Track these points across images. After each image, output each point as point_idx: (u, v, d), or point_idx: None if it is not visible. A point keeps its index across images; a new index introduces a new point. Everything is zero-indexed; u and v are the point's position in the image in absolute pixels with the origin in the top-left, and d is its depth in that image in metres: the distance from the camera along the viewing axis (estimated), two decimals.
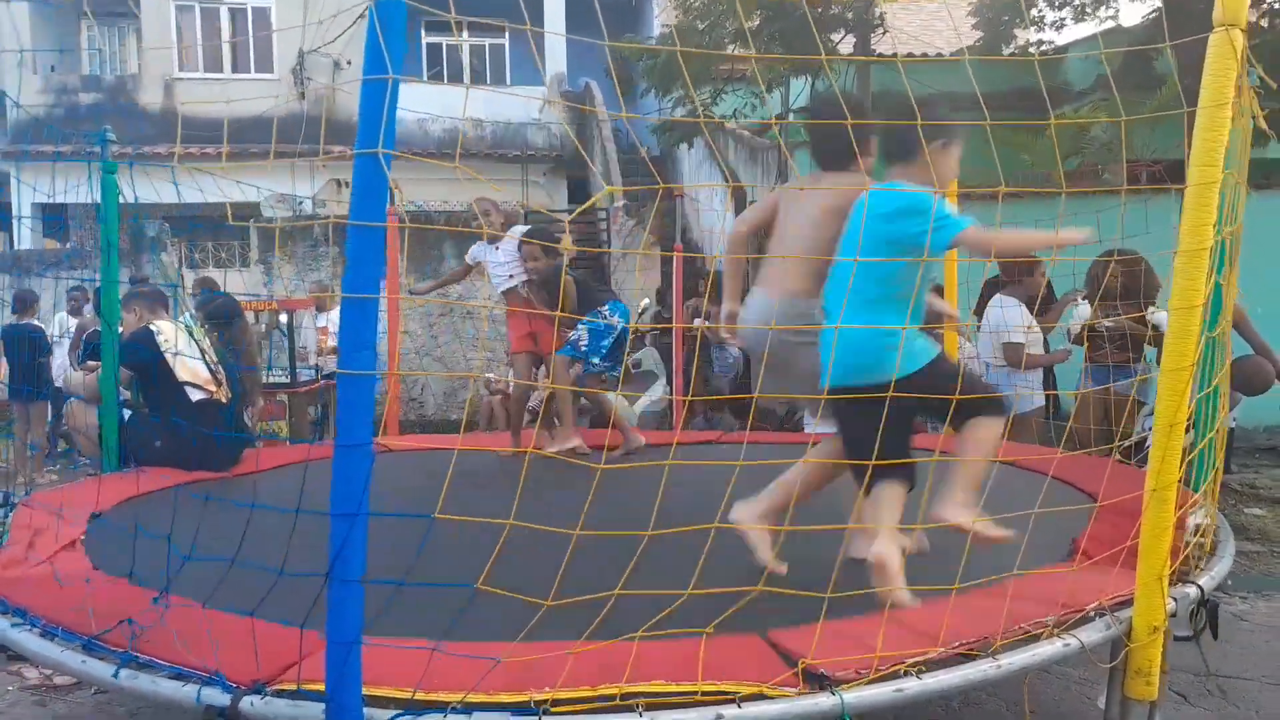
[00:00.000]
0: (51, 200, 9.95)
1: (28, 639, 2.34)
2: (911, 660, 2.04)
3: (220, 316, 5.44)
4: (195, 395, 4.49)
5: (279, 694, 1.92)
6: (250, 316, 8.03)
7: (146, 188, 4.07)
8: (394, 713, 1.83)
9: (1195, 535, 2.61)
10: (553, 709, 1.85)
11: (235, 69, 15.66)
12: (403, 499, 3.81)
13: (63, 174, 4.62)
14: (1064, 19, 9.82)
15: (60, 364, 8.23)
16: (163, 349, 4.47)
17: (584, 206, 4.02)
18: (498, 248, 5.47)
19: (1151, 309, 4.87)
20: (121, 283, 4.57)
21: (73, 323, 8.98)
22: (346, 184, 12.93)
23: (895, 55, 10.61)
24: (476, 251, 5.73)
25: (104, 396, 4.42)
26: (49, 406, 8.10)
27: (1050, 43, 10.27)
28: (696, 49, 8.02)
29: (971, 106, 2.72)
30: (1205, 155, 2.13)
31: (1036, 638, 2.20)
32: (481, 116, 15.37)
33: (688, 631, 2.11)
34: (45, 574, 2.72)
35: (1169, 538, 2.23)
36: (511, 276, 5.46)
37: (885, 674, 2.00)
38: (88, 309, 9.15)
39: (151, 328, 4.57)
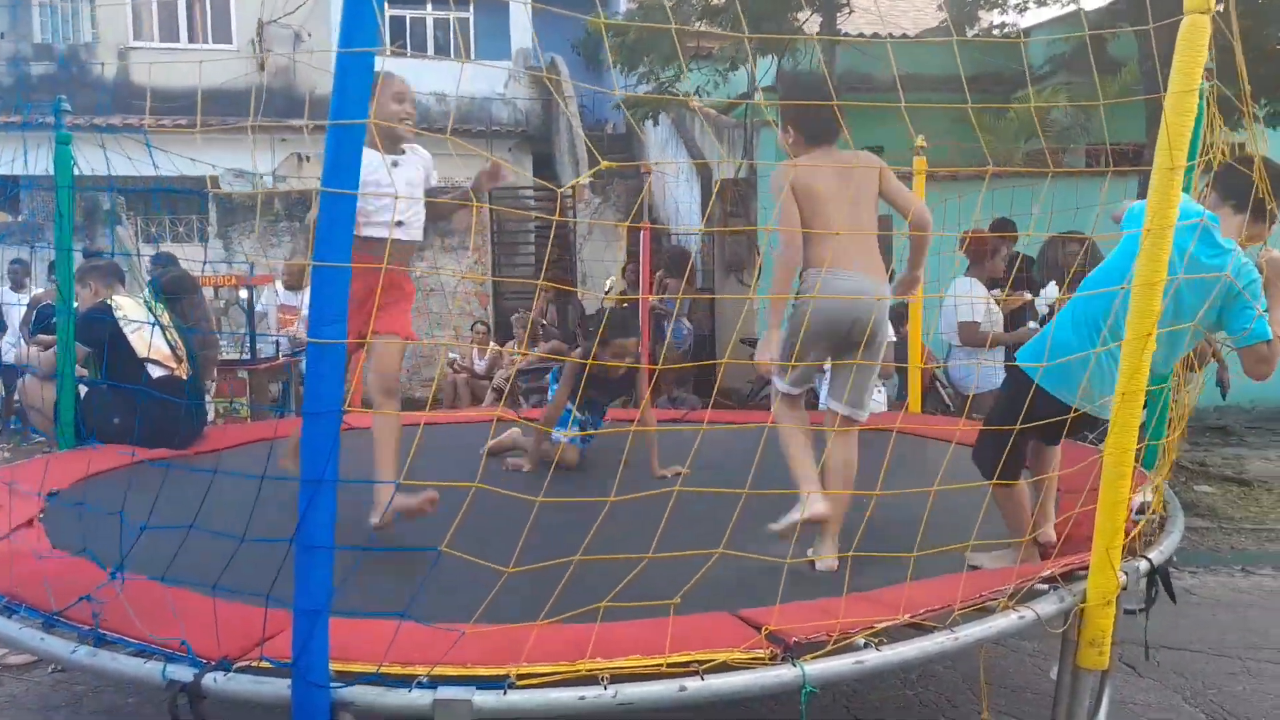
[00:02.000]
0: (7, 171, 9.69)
1: None
2: (875, 626, 2.08)
3: (173, 290, 5.33)
4: (155, 371, 4.42)
5: (244, 670, 1.91)
6: (209, 292, 7.92)
7: (101, 159, 3.99)
8: (361, 686, 1.83)
9: (1140, 513, 2.68)
10: (519, 682, 1.87)
11: (192, 39, 15.31)
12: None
13: (14, 144, 4.51)
14: (1027, 2, 9.90)
15: (9, 339, 8.06)
16: (121, 324, 4.40)
17: (573, 183, 3.89)
18: (395, 163, 3.39)
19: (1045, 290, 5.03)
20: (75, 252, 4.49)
21: (13, 297, 8.79)
22: (308, 158, 12.73)
23: (861, 35, 10.63)
24: None
25: (60, 372, 4.35)
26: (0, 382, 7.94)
27: (1013, 25, 10.35)
28: (665, 25, 7.97)
29: (935, 87, 2.74)
30: (1173, 140, 2.14)
31: (992, 610, 2.26)
32: (445, 91, 15.19)
33: (654, 604, 2.13)
34: (4, 551, 2.69)
35: (1124, 509, 2.29)
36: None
37: (846, 645, 2.04)
38: (28, 282, 8.95)
39: (109, 302, 4.49)
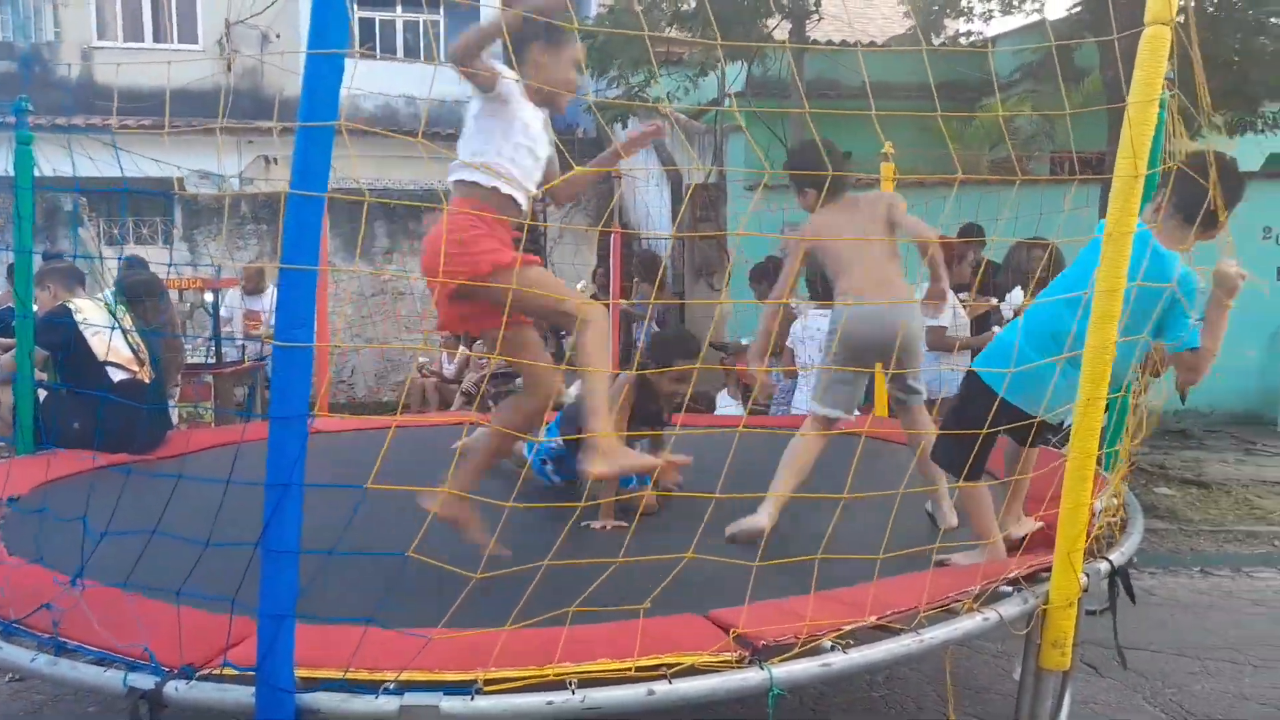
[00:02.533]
0: None
1: None
2: (842, 628, 2.10)
3: (134, 293, 5.22)
4: (117, 375, 4.36)
5: (206, 678, 1.89)
6: (174, 295, 7.81)
7: (64, 160, 3.93)
8: (327, 693, 1.82)
9: (1102, 516, 2.72)
10: (486, 687, 1.86)
11: (157, 39, 15.12)
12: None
13: None
14: (992, 10, 10.03)
15: None
16: (81, 327, 4.33)
17: (554, 183, 3.83)
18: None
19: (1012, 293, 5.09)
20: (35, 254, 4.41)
21: None
22: (274, 161, 12.60)
23: (831, 42, 10.72)
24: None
25: (18, 375, 4.27)
26: None
27: (979, 33, 10.49)
28: (634, 31, 7.99)
29: (902, 94, 2.77)
30: (1133, 148, 2.18)
31: (957, 612, 2.28)
32: (415, 93, 15.10)
33: (624, 609, 2.13)
34: None
35: (1087, 512, 2.33)
36: None
37: (813, 648, 2.06)
38: None
39: (69, 305, 4.42)
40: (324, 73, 1.76)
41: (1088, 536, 2.49)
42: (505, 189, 2.69)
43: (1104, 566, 2.64)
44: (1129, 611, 3.19)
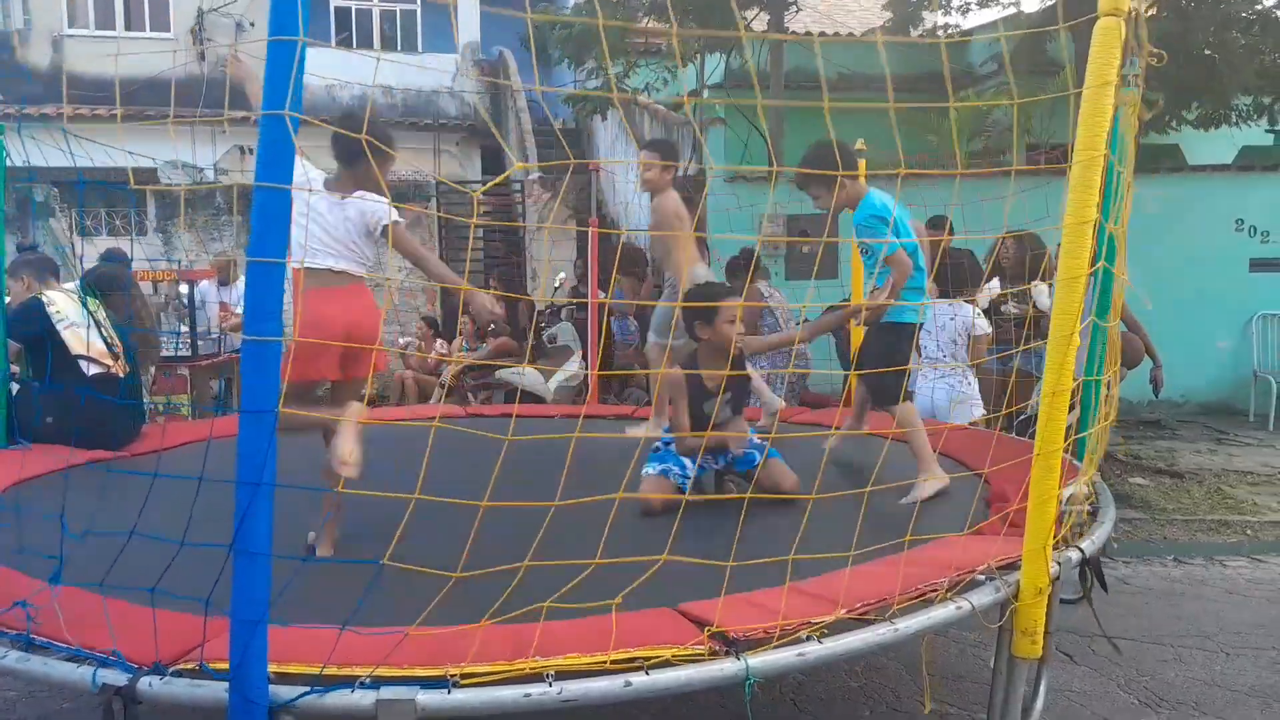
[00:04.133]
0: None
1: None
2: (815, 623, 2.11)
3: (103, 285, 5.14)
4: (90, 369, 4.31)
5: (179, 674, 1.88)
6: (148, 287, 7.74)
7: (34, 150, 3.87)
8: (301, 689, 1.81)
9: (1071, 505, 2.75)
10: (463, 681, 1.86)
11: (129, 26, 14.92)
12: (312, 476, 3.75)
13: None
14: (969, 3, 10.06)
15: None
16: (54, 320, 4.28)
17: (494, 182, 3.92)
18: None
19: (1035, 285, 5.08)
20: (7, 251, 4.36)
21: None
22: (250, 151, 12.49)
23: (809, 34, 10.72)
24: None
25: None
26: None
27: (956, 25, 10.52)
28: (612, 21, 7.96)
29: (880, 86, 2.78)
30: (1089, 132, 2.24)
31: (931, 601, 2.30)
32: (392, 83, 14.99)
33: (598, 605, 2.14)
34: None
35: (1055, 503, 2.35)
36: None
37: (788, 639, 2.07)
38: None
39: (42, 298, 4.37)
40: (283, 60, 1.74)
41: (1058, 526, 2.52)
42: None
43: (1075, 555, 2.66)
44: (1103, 600, 3.23)
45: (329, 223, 3.10)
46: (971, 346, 5.10)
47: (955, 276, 5.01)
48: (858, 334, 5.70)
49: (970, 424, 4.71)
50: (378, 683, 1.85)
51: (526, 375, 7.20)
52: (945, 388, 5.01)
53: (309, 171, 3.13)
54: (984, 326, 5.18)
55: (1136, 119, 3.04)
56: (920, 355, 5.14)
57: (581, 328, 8.07)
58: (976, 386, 5.06)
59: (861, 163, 5.67)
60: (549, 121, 13.62)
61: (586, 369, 7.57)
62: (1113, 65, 2.20)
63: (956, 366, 4.99)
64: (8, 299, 4.44)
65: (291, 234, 2.55)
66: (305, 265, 2.99)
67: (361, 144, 2.53)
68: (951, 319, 5.10)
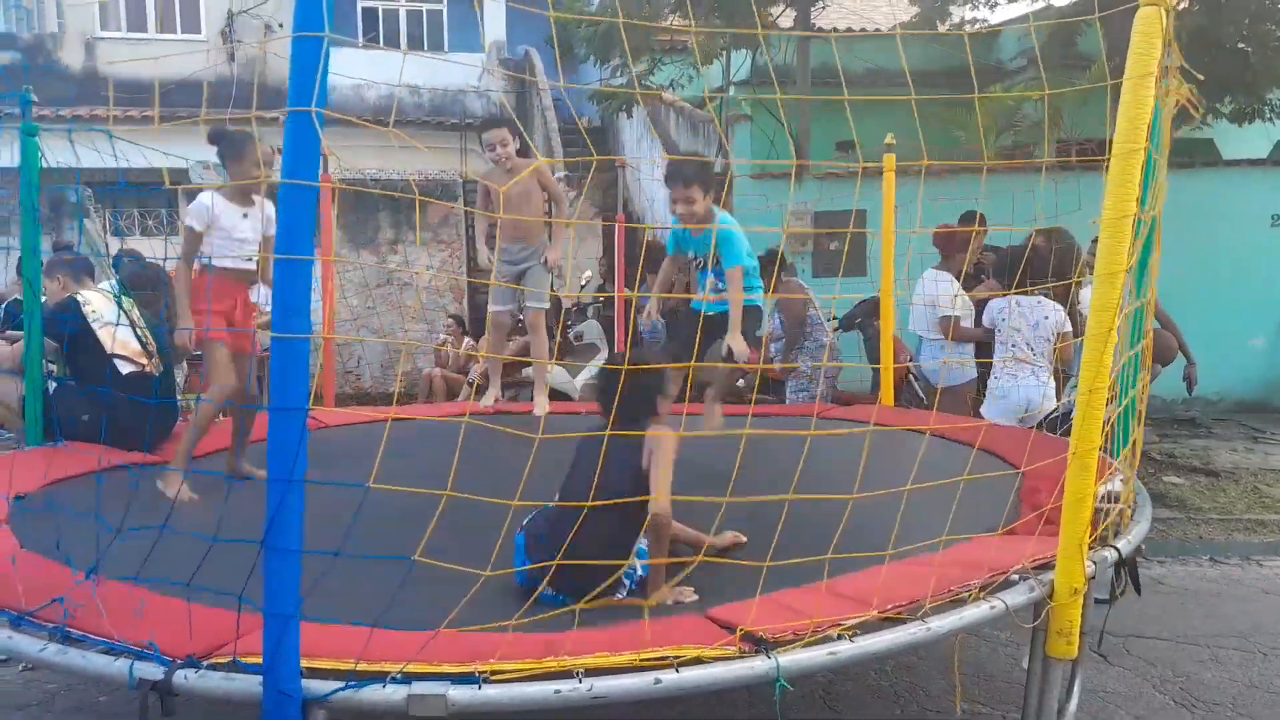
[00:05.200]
0: None
1: None
2: (847, 623, 2.09)
3: (136, 285, 5.20)
4: (125, 368, 4.36)
5: (214, 667, 1.90)
6: None
7: (68, 151, 3.92)
8: (334, 684, 1.82)
9: (1109, 503, 2.71)
10: (493, 677, 1.86)
11: (161, 28, 15.10)
12: (342, 473, 3.77)
13: None
14: None
15: None
16: (90, 319, 4.33)
17: (519, 178, 4.01)
18: (245, 214, 3.91)
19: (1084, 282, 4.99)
20: (43, 251, 4.42)
21: None
22: (278, 150, 12.58)
23: (835, 30, 10.66)
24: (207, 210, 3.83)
25: (27, 368, 4.28)
26: None
27: (984, 20, 10.42)
28: (636, 19, 7.96)
29: (907, 82, 2.76)
30: (1129, 125, 2.20)
31: (964, 601, 2.27)
32: (419, 83, 15.07)
33: (628, 603, 2.14)
34: None
35: (1090, 502, 2.32)
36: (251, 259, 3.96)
37: (819, 638, 2.05)
38: None
39: (78, 297, 4.42)
40: (307, 57, 1.74)
41: (1094, 525, 2.49)
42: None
43: (1111, 555, 2.62)
44: (1138, 600, 3.18)
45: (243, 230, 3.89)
46: (1060, 345, 4.96)
47: (1041, 271, 4.78)
48: (887, 334, 5.67)
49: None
50: (409, 678, 1.85)
51: (553, 373, 7.21)
52: (1039, 385, 4.92)
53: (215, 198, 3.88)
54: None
55: (1175, 110, 2.99)
56: (1007, 351, 5.06)
57: (608, 325, 8.08)
58: (1054, 385, 4.97)
59: (889, 157, 5.63)
60: (575, 120, 13.64)
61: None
62: (1153, 56, 2.17)
63: (1038, 363, 4.89)
64: (44, 298, 4.50)
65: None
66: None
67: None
68: (1045, 318, 4.99)
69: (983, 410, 5.13)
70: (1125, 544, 2.70)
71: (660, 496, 2.45)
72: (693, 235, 4.00)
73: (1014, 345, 4.99)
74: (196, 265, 3.88)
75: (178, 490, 3.35)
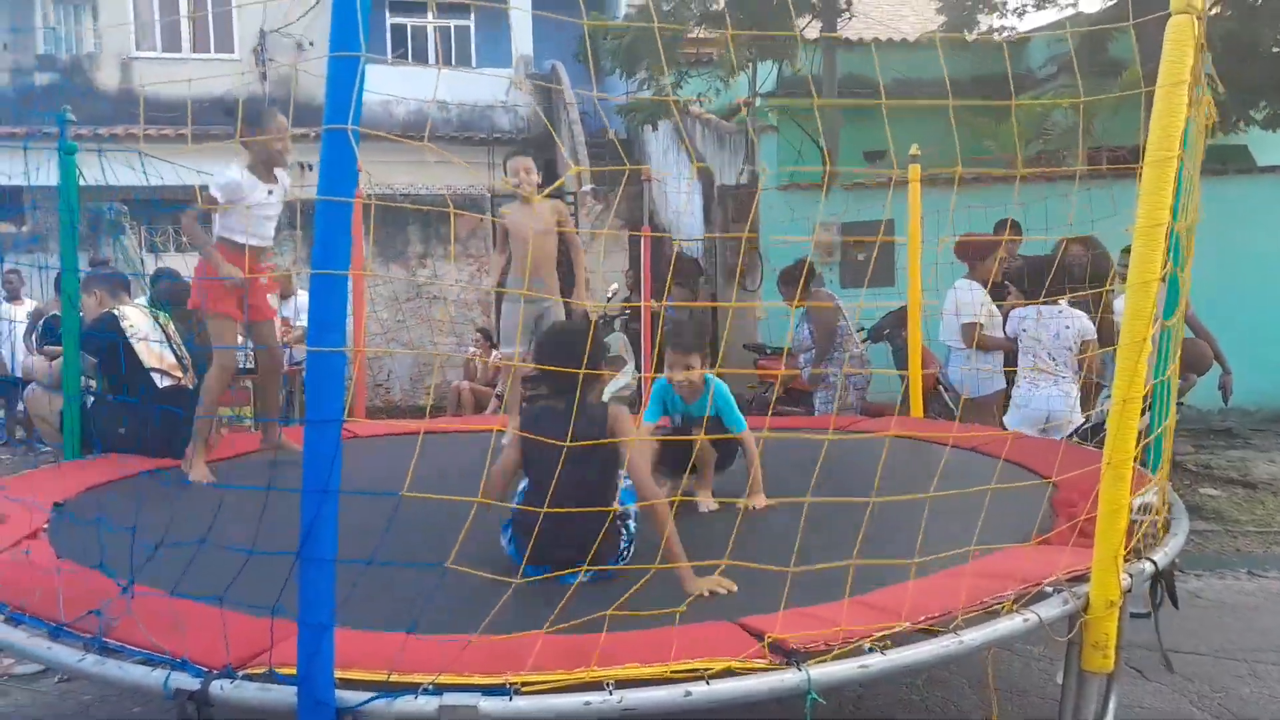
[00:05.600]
0: (9, 182, 9.72)
1: None
2: (877, 635, 2.08)
3: (172, 300, 5.27)
4: (161, 381, 4.43)
5: (249, 678, 1.92)
6: None
7: (105, 169, 4.01)
8: (367, 695, 1.84)
9: (1144, 515, 2.68)
10: (524, 689, 1.87)
11: (194, 49, 15.37)
12: (372, 484, 3.81)
13: (17, 155, 4.53)
14: (1026, 5, 9.92)
15: (4, 350, 8.10)
16: (127, 333, 4.41)
17: (549, 189, 4.04)
18: (270, 191, 4.28)
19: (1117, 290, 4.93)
20: (81, 268, 4.51)
21: (11, 308, 8.84)
22: (310, 167, 12.76)
23: (861, 40, 10.65)
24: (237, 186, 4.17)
25: (66, 382, 4.36)
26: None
27: (1012, 28, 10.37)
28: (664, 33, 8.00)
29: (936, 93, 2.75)
30: (1161, 132, 2.19)
31: (997, 613, 2.25)
32: (447, 99, 15.21)
33: (658, 614, 2.14)
34: (10, 562, 2.69)
35: (1125, 514, 2.29)
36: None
37: (850, 650, 2.04)
38: (24, 292, 9.01)
39: (115, 312, 4.50)
40: (343, 76, 1.77)
41: (1129, 536, 2.46)
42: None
43: (1147, 568, 2.59)
44: (1174, 614, 3.13)
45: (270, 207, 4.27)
46: (1085, 353, 4.90)
47: (1072, 279, 4.76)
48: (915, 345, 5.64)
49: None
50: (440, 689, 1.86)
51: None
52: (1060, 395, 4.86)
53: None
54: (1094, 332, 4.99)
55: (1211, 120, 2.96)
56: (1029, 361, 5.00)
57: (634, 338, 8.09)
58: (1078, 394, 4.91)
59: (915, 167, 5.62)
60: (602, 133, 13.71)
61: (639, 379, 7.58)
62: (1185, 63, 2.16)
63: (1060, 373, 4.84)
64: (81, 313, 4.59)
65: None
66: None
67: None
68: (1067, 326, 4.94)
69: (1005, 419, 5.08)
70: (1162, 556, 2.66)
71: (644, 484, 2.62)
72: (685, 401, 3.82)
73: (1034, 355, 4.95)
74: (214, 240, 4.09)
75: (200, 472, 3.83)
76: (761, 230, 8.92)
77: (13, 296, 9.06)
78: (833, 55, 9.43)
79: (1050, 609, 2.29)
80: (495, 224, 4.89)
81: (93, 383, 4.59)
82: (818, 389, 6.36)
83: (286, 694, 1.84)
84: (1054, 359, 4.90)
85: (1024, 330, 5.01)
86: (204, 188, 4.05)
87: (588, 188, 11.25)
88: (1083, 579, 2.37)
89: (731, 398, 3.69)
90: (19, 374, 7.64)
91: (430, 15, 16.33)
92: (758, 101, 10.18)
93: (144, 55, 15.06)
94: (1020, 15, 10.19)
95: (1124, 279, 4.39)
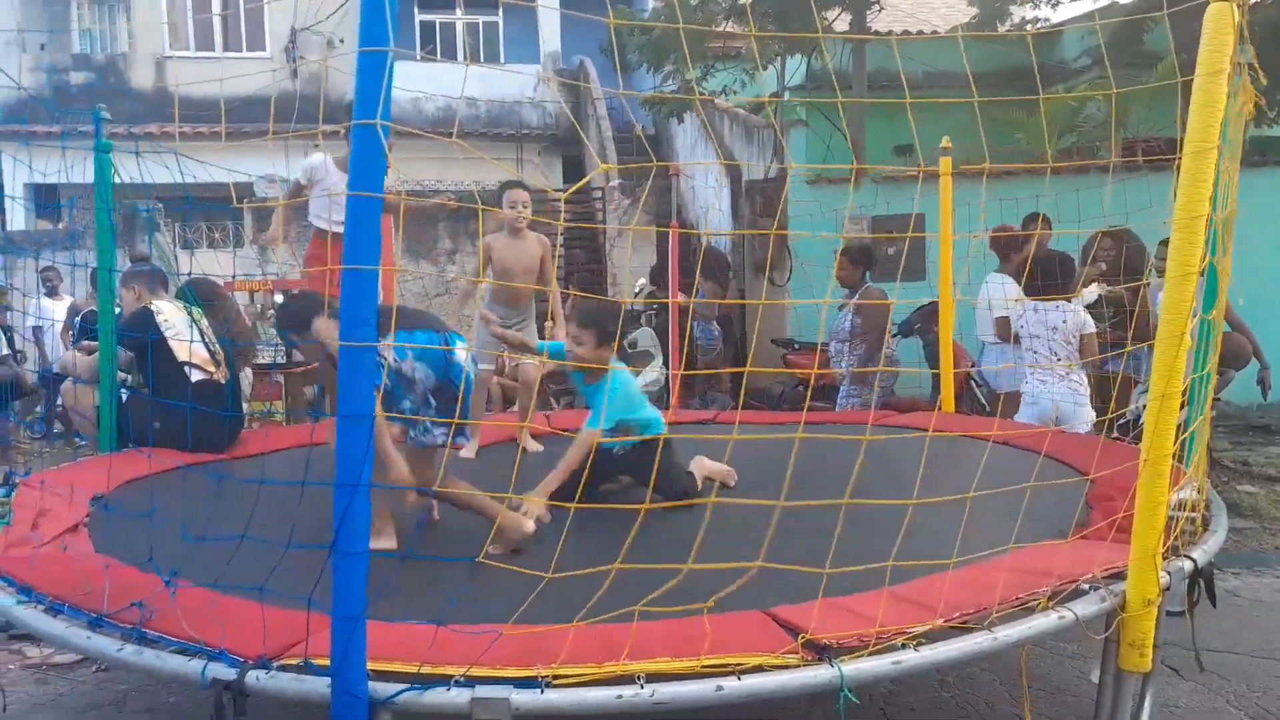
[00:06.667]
0: (45, 180, 9.89)
1: (33, 616, 2.36)
2: (912, 631, 2.06)
3: (205, 295, 5.30)
4: (195, 376, 4.48)
5: (284, 668, 1.94)
6: (244, 297, 8.02)
7: (140, 167, 4.05)
8: (400, 686, 1.85)
9: (1182, 511, 2.64)
10: (555, 682, 1.88)
11: (227, 47, 15.53)
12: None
13: (55, 153, 4.60)
14: None
15: (50, 344, 8.24)
16: (163, 329, 4.46)
17: (577, 186, 4.04)
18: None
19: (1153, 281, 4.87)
20: (119, 266, 4.57)
21: (51, 304, 8.99)
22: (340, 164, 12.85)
23: (890, 33, 10.56)
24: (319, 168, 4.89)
25: (102, 377, 4.42)
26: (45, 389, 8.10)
27: (1045, 20, 10.23)
28: (693, 25, 7.97)
29: (967, 85, 2.72)
30: (1201, 123, 2.16)
31: (1032, 610, 2.23)
32: (476, 95, 15.27)
33: (689, 609, 2.13)
34: (50, 554, 2.74)
35: (1163, 510, 2.26)
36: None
37: (883, 646, 2.03)
38: (63, 289, 9.15)
39: (151, 307, 4.56)
40: (372, 71, 1.78)
41: (1167, 533, 2.42)
42: None
43: (1186, 565, 2.55)
44: (1212, 613, 3.09)
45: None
46: (1085, 346, 4.85)
47: (1047, 276, 4.80)
48: (946, 339, 5.59)
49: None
50: (471, 681, 1.87)
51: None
52: (1066, 390, 4.81)
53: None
54: (1093, 324, 4.97)
55: (1251, 112, 2.91)
56: (1031, 358, 4.94)
57: (662, 333, 8.08)
58: (1088, 388, 4.85)
59: (945, 160, 5.56)
60: (630, 128, 13.70)
61: (667, 373, 7.58)
62: (1225, 52, 2.13)
63: (1071, 366, 4.79)
64: (119, 309, 4.65)
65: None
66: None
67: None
68: (1064, 320, 4.89)
69: (1016, 416, 5.03)
70: (1201, 554, 2.62)
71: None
72: (585, 382, 3.65)
73: (1034, 352, 4.91)
74: (293, 224, 4.20)
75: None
76: (790, 225, 8.88)
77: (51, 292, 9.22)
78: (861, 48, 9.35)
79: (1087, 606, 2.27)
80: (484, 249, 4.78)
81: (128, 377, 4.65)
82: (840, 383, 6.28)
83: (320, 685, 1.86)
84: (1055, 355, 4.85)
85: (1022, 327, 4.98)
86: (242, 185, 4.08)
87: (615, 183, 11.25)
88: (1120, 576, 2.34)
89: (623, 397, 3.55)
90: (57, 368, 7.76)
91: (459, 11, 16.39)
92: (785, 96, 10.12)
93: (177, 54, 15.24)
94: (1054, 6, 10.05)
95: (1162, 272, 4.31)
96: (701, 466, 3.78)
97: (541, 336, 4.75)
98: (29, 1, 14.90)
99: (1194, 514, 2.74)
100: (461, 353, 3.08)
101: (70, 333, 7.85)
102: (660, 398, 7.78)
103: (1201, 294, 2.98)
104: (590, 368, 3.50)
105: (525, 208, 4.64)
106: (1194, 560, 2.57)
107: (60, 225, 11.63)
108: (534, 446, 4.71)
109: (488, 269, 4.76)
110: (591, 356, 3.52)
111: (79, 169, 4.59)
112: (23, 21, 14.33)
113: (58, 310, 9.07)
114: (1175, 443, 2.28)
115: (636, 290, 9.24)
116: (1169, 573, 2.41)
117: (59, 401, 7.34)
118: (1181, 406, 2.39)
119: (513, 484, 2.75)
